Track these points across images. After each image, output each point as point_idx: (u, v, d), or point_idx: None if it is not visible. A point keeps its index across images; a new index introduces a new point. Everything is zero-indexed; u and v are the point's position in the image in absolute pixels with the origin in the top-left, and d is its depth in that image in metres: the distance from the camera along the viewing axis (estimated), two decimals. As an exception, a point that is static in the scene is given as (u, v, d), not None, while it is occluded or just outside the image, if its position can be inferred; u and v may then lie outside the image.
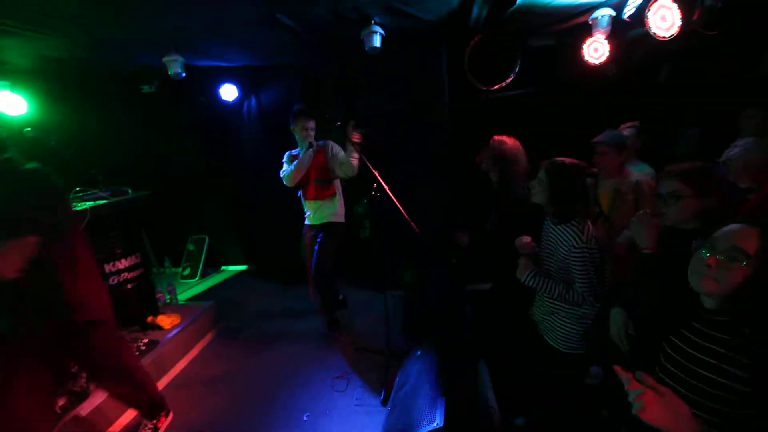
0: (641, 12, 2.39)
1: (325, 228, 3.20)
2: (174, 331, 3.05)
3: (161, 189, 3.80)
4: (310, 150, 3.04)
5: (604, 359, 1.73)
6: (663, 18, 2.25)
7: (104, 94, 4.16)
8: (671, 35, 2.21)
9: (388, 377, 2.57)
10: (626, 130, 2.78)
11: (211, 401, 2.60)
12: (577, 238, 1.73)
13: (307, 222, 3.30)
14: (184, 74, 3.34)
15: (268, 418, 2.40)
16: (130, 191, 3.31)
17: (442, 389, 1.78)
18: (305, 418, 2.36)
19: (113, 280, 2.99)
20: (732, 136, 2.27)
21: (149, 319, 3.11)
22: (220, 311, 3.67)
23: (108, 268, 2.99)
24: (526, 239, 2.00)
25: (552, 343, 1.91)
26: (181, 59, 3.26)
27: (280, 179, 3.19)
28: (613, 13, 2.81)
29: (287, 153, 3.26)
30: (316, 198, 3.16)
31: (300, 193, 3.26)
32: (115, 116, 4.29)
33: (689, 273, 1.11)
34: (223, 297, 4.08)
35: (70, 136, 3.62)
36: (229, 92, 4.17)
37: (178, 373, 2.92)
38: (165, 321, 3.11)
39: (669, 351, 1.17)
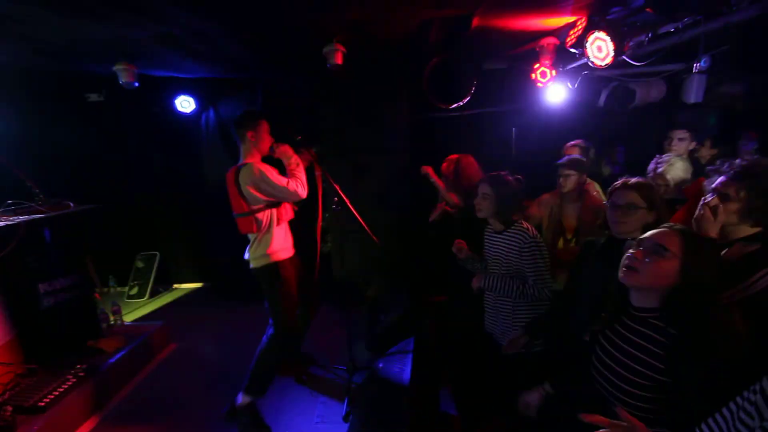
0: (580, 42, 2.63)
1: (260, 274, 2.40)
2: (118, 355, 2.83)
3: (108, 203, 3.57)
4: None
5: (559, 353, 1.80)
6: (599, 48, 2.49)
7: (45, 100, 3.91)
8: (606, 64, 2.45)
9: (351, 392, 2.53)
10: (572, 148, 3.02)
11: (159, 428, 2.42)
12: (525, 235, 1.88)
13: (290, 255, 2.54)
14: (137, 84, 3.21)
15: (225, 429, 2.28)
16: (72, 205, 3.10)
17: (405, 396, 1.78)
18: None
19: (49, 301, 2.74)
20: (649, 153, 2.56)
21: (90, 343, 2.87)
22: (172, 332, 3.46)
23: (43, 287, 2.74)
24: (460, 243, 2.10)
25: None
26: (133, 69, 3.14)
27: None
28: (557, 42, 3.06)
29: (257, 166, 2.30)
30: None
31: (276, 214, 2.46)
32: (57, 125, 4.02)
33: (620, 269, 1.20)
34: (175, 317, 3.85)
35: (6, 144, 3.34)
36: (185, 104, 4.05)
37: (123, 399, 2.69)
38: (108, 344, 2.88)
39: (603, 343, 1.26)
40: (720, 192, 1.35)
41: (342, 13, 2.53)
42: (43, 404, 2.18)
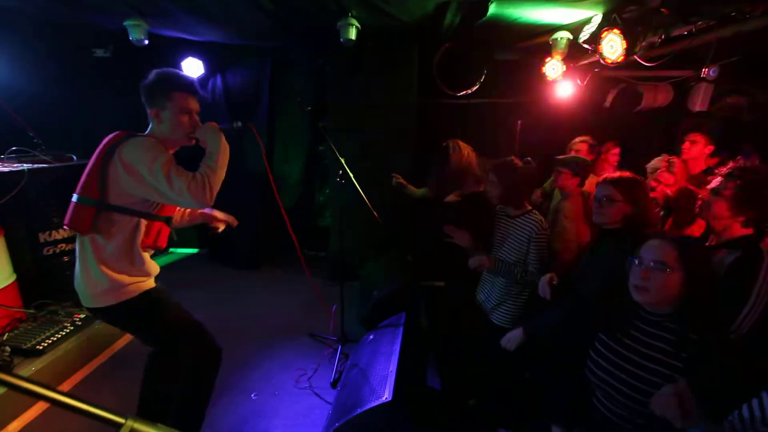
0: (594, 38, 2.65)
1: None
2: (114, 310, 2.88)
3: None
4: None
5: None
6: (612, 46, 2.51)
7: (53, 53, 3.84)
8: (617, 62, 2.48)
9: (340, 362, 2.62)
10: (578, 144, 3.07)
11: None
12: (538, 227, 1.98)
13: (154, 284, 1.76)
14: (146, 41, 3.18)
15: (213, 397, 2.34)
16: (74, 158, 3.11)
17: (393, 367, 1.86)
18: (253, 397, 2.35)
19: (48, 251, 2.78)
20: (644, 152, 2.64)
21: (87, 295, 2.91)
22: (169, 286, 3.50)
23: (43, 237, 2.77)
24: (465, 234, 2.16)
25: (499, 323, 2.09)
26: (145, 25, 3.11)
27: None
28: (571, 37, 3.08)
29: (151, 142, 1.54)
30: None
31: (139, 232, 1.60)
32: (62, 78, 3.97)
33: (630, 287, 1.26)
34: (170, 279, 3.89)
35: (10, 92, 3.31)
36: (193, 67, 4.01)
37: (117, 351, 2.76)
38: (105, 298, 2.93)
39: (613, 345, 1.30)
40: (713, 188, 1.51)
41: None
42: (41, 347, 2.24)
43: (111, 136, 1.56)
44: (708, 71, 3.37)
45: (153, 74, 1.61)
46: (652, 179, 2.57)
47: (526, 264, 2.00)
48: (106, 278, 1.52)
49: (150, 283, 1.68)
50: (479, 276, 2.30)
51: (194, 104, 1.64)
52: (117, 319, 1.65)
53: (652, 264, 1.20)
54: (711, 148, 2.94)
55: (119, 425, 0.56)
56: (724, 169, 1.56)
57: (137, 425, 0.56)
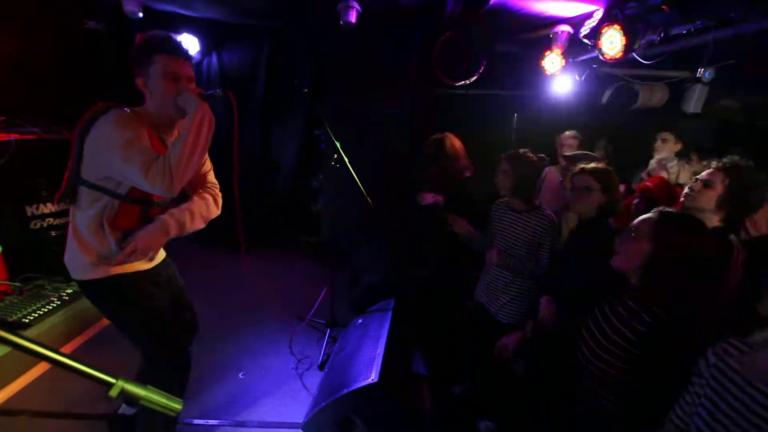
0: (594, 33, 2.66)
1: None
2: (102, 286, 2.86)
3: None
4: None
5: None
6: (611, 41, 2.52)
7: (41, 22, 3.72)
8: (616, 58, 2.49)
9: (328, 345, 2.65)
10: (572, 139, 3.10)
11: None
12: (549, 223, 1.94)
13: (142, 267, 1.56)
14: (141, 14, 3.10)
15: (201, 375, 2.36)
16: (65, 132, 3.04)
17: (381, 350, 1.89)
18: (241, 377, 2.37)
19: (35, 224, 2.74)
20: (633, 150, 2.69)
21: (75, 270, 2.88)
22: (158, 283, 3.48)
23: (30, 210, 2.73)
24: (455, 219, 2.18)
25: (504, 320, 2.06)
26: (139, -3, 3.02)
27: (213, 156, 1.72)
28: (571, 31, 3.07)
29: (122, 118, 1.39)
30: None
31: (111, 215, 1.43)
32: (53, 50, 3.86)
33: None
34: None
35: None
36: (188, 45, 3.93)
37: (105, 327, 2.75)
38: (93, 274, 2.90)
39: (597, 317, 1.35)
40: (705, 180, 1.53)
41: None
42: (26, 321, 2.23)
43: (92, 108, 1.41)
44: (704, 72, 3.41)
45: (136, 41, 1.43)
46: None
47: (538, 259, 1.97)
48: (76, 250, 1.43)
49: (129, 267, 1.48)
50: (472, 265, 2.32)
51: (183, 69, 1.41)
52: (90, 297, 1.52)
53: (626, 230, 1.27)
54: (680, 145, 3.03)
55: (111, 385, 0.57)
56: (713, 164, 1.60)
57: (128, 386, 0.57)
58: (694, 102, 3.92)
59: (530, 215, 1.99)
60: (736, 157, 1.55)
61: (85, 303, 2.63)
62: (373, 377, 1.70)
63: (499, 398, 2.19)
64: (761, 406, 0.80)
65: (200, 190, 1.64)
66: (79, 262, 1.44)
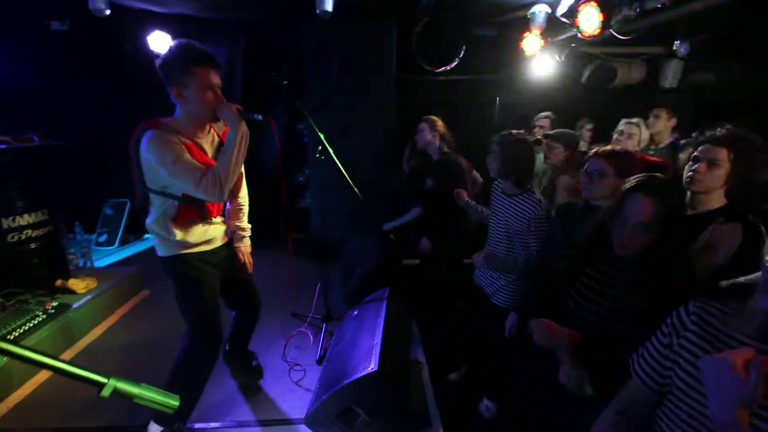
0: (571, 12, 2.67)
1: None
2: (88, 296, 2.79)
3: (74, 142, 3.39)
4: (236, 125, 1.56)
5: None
6: (588, 19, 2.54)
7: (1, 26, 3.57)
8: (594, 34, 2.51)
9: (325, 339, 2.63)
10: (541, 120, 3.12)
11: (132, 365, 2.45)
12: (536, 208, 1.89)
13: (201, 249, 1.81)
14: (108, 12, 2.98)
15: None
16: (36, 139, 2.93)
17: (378, 340, 1.89)
18: None
19: (13, 237, 2.64)
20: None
21: (58, 282, 2.80)
22: (144, 278, 3.41)
23: (6, 223, 2.63)
24: (462, 193, 2.23)
25: (499, 303, 2.06)
26: (105, -7, 2.90)
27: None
28: (549, 11, 3.08)
29: (161, 139, 1.53)
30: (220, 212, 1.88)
31: (173, 212, 1.69)
32: (17, 53, 3.70)
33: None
34: (148, 264, 3.79)
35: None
36: (160, 42, 3.80)
37: (93, 340, 2.69)
38: (78, 285, 2.83)
39: (584, 279, 1.36)
40: (708, 158, 1.42)
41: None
42: (11, 337, 2.15)
43: (136, 129, 1.58)
44: (679, 46, 3.47)
45: (169, 49, 1.53)
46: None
47: (528, 245, 1.93)
48: (153, 233, 1.74)
49: (192, 248, 1.77)
50: (466, 252, 2.34)
51: (216, 78, 1.58)
52: (163, 271, 1.82)
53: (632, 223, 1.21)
54: (674, 121, 3.06)
55: (102, 385, 0.55)
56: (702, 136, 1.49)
57: (120, 384, 0.55)
58: (671, 76, 4.00)
59: (520, 199, 1.96)
60: (731, 128, 1.42)
61: (71, 315, 2.56)
62: (372, 366, 1.69)
63: (497, 379, 2.22)
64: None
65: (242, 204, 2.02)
66: (155, 242, 1.76)
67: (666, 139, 3.01)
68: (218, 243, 1.87)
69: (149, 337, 2.77)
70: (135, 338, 2.76)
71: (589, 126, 3.43)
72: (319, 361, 2.49)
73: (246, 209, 2.04)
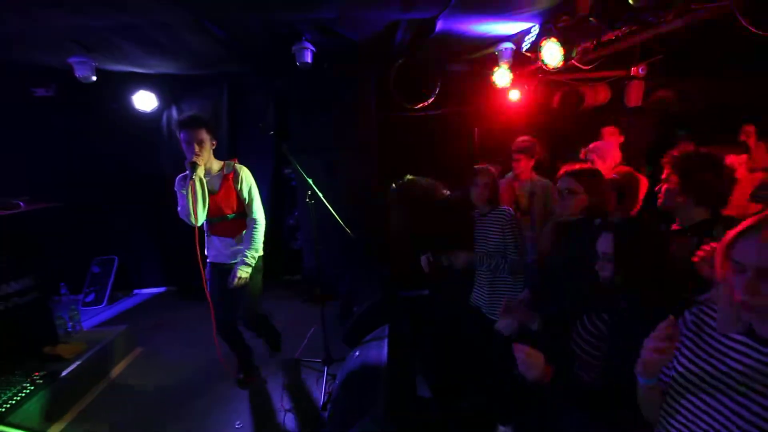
0: (535, 47, 2.86)
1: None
2: (78, 361, 2.69)
3: (59, 206, 3.36)
4: (190, 173, 2.21)
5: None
6: (551, 53, 2.72)
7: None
8: (557, 67, 2.68)
9: (328, 384, 2.57)
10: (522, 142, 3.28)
11: (132, 419, 2.36)
12: (507, 215, 2.18)
13: (215, 260, 2.52)
14: (94, 78, 3.08)
15: (199, 423, 2.33)
16: (22, 205, 2.92)
17: (383, 381, 1.86)
18: (237, 426, 2.27)
19: (1, 306, 2.56)
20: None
21: (46, 349, 2.71)
22: (136, 336, 3.32)
23: (-7, 293, 2.56)
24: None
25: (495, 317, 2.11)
26: (91, 62, 3.01)
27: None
28: (514, 47, 3.29)
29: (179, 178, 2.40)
30: (233, 234, 2.47)
31: (206, 226, 2.49)
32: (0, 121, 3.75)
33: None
34: (139, 322, 3.70)
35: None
36: (145, 101, 3.90)
37: (86, 407, 2.57)
38: (66, 350, 2.73)
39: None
40: (663, 178, 1.58)
41: (311, 12, 2.59)
42: (2, 411, 2.05)
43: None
44: (637, 69, 3.72)
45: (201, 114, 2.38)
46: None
47: (506, 252, 2.14)
48: None
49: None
50: (464, 280, 2.38)
51: (186, 136, 2.25)
52: None
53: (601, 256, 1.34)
54: (622, 138, 3.27)
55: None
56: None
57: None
58: (634, 96, 4.25)
59: (493, 215, 2.21)
60: (685, 147, 1.59)
61: (61, 383, 2.46)
62: (379, 410, 1.67)
63: (510, 402, 2.17)
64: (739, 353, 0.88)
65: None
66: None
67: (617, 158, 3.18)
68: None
69: (147, 398, 2.68)
70: (131, 399, 2.66)
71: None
72: (324, 408, 2.42)
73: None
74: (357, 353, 2.41)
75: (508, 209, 2.22)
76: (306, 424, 2.32)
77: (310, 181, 2.52)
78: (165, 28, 2.67)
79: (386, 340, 2.24)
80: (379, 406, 1.66)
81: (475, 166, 2.28)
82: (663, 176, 1.58)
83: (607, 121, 3.92)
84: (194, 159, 2.20)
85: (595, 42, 2.71)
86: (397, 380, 1.95)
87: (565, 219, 1.81)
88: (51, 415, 2.35)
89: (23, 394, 2.24)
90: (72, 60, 2.93)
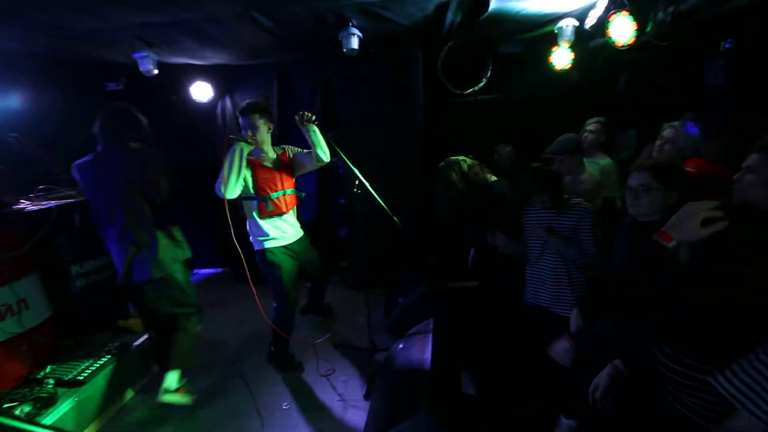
0: (601, 23, 2.59)
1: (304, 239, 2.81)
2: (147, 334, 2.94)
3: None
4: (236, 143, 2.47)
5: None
6: (621, 28, 2.45)
7: (65, 89, 3.97)
8: (628, 43, 2.42)
9: (371, 373, 2.61)
10: (592, 125, 3.00)
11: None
12: (587, 210, 1.99)
13: (281, 244, 2.61)
14: (156, 71, 3.26)
15: (247, 404, 2.46)
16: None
17: (426, 378, 1.84)
18: (285, 407, 2.38)
19: (81, 282, 2.85)
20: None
21: (120, 323, 2.99)
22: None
23: (75, 269, 2.85)
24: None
25: (563, 314, 2.03)
26: (153, 56, 3.19)
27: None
28: (577, 24, 3.01)
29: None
30: (289, 210, 2.65)
31: (255, 208, 2.58)
32: (78, 113, 4.09)
33: None
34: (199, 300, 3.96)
35: (28, 132, 3.43)
36: (202, 91, 4.09)
37: (156, 373, 2.81)
38: (137, 324, 2.99)
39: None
40: (745, 165, 1.33)
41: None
42: (82, 378, 2.30)
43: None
44: (724, 44, 3.26)
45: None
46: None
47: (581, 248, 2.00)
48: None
49: (273, 243, 2.60)
50: (513, 274, 2.28)
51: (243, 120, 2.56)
52: (257, 261, 2.65)
53: None
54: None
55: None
56: None
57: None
58: (714, 74, 3.74)
59: (570, 211, 2.04)
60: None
61: (132, 353, 2.71)
62: (422, 406, 1.65)
63: (571, 393, 2.06)
64: None
65: None
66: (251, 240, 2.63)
67: None
68: (293, 239, 2.65)
69: (210, 360, 2.92)
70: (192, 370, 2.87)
71: (632, 132, 3.28)
72: (366, 396, 2.46)
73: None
74: (401, 345, 2.40)
75: (579, 203, 2.07)
76: (349, 412, 2.37)
77: (357, 171, 2.50)
78: (217, 21, 2.74)
79: (430, 335, 2.21)
80: (422, 408, 1.63)
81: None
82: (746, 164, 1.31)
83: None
84: (246, 136, 2.44)
85: (671, 11, 2.40)
86: (441, 376, 1.91)
87: (643, 220, 1.58)
88: (125, 381, 2.61)
89: (100, 363, 2.50)
90: (136, 55, 3.12)
